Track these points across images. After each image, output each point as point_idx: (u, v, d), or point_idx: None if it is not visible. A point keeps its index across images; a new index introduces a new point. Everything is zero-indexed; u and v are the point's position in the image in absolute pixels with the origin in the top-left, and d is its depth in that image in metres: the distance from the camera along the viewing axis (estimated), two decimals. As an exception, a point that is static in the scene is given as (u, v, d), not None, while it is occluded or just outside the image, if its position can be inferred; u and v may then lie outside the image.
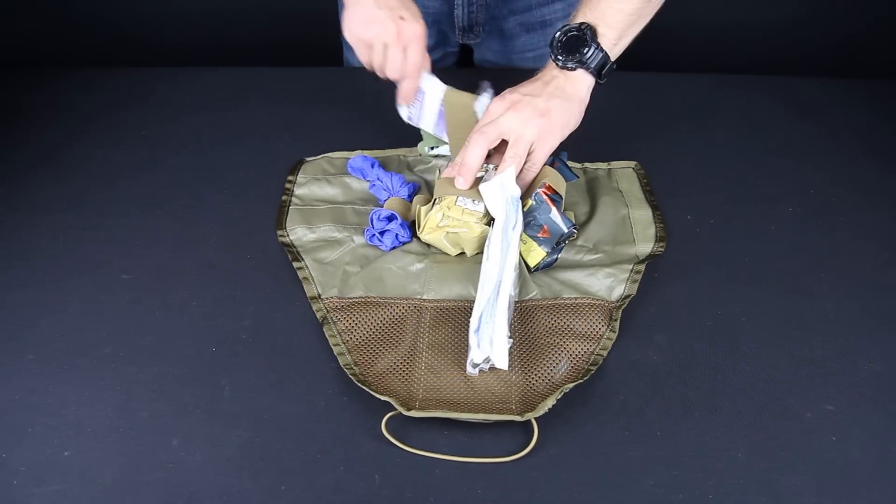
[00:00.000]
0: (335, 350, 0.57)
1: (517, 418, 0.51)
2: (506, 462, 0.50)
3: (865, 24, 1.22)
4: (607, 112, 0.87)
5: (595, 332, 0.58)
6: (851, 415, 0.53)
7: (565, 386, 0.53)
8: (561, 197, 0.64)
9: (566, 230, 0.61)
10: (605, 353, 0.57)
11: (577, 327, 0.59)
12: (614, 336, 0.58)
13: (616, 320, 0.59)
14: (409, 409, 0.52)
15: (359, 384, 0.54)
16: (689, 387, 0.55)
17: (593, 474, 0.50)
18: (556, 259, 0.63)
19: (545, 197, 0.62)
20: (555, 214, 0.62)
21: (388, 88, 0.72)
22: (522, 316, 0.60)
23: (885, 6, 1.20)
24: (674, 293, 0.63)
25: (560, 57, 0.66)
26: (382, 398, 0.52)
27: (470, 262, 0.64)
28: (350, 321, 0.60)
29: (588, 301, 0.61)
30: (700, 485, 0.49)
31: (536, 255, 0.62)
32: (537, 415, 0.51)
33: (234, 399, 0.54)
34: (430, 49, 0.95)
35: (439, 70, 0.98)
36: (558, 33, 0.66)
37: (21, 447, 0.51)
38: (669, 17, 1.29)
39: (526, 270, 0.63)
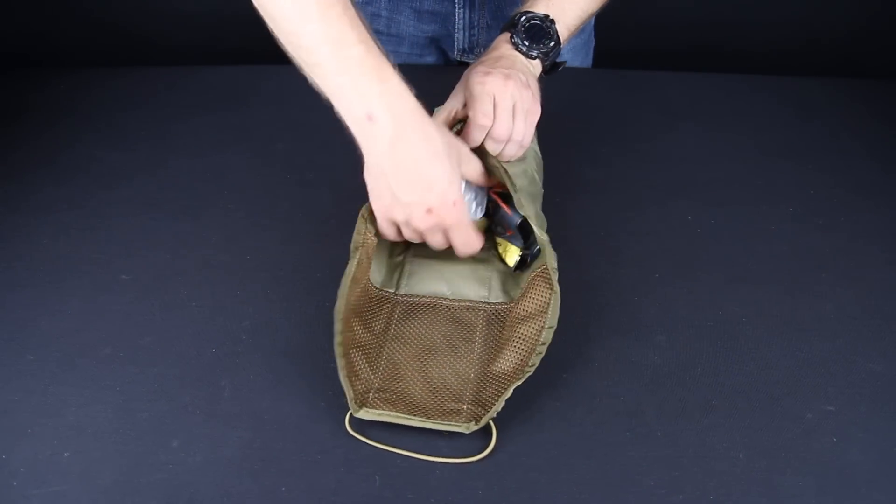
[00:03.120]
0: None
1: (463, 430, 0.51)
2: (465, 463, 0.50)
3: (865, 24, 1.22)
4: (607, 111, 0.87)
5: (541, 305, 0.56)
6: (851, 415, 0.53)
7: (513, 385, 0.51)
8: (510, 194, 0.62)
9: (517, 220, 0.61)
10: (551, 330, 0.54)
11: (524, 309, 0.58)
12: (558, 298, 0.55)
13: (553, 286, 0.56)
14: (360, 406, 0.52)
15: (337, 352, 0.53)
16: (689, 387, 0.55)
17: (593, 474, 0.50)
18: (538, 251, 0.61)
19: (495, 197, 0.63)
20: (504, 211, 0.62)
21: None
22: (489, 321, 0.60)
23: (885, 6, 1.20)
24: (674, 293, 0.63)
25: (525, 43, 0.64)
26: (343, 383, 0.52)
27: (447, 261, 0.64)
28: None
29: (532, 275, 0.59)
30: (700, 485, 0.49)
31: (512, 252, 0.63)
32: (481, 426, 0.51)
33: (234, 400, 0.54)
34: (431, 64, 0.95)
35: (437, 67, 0.98)
36: (522, 18, 0.65)
37: (21, 448, 0.51)
38: (669, 17, 1.30)
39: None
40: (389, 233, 0.58)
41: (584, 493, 0.49)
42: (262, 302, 0.62)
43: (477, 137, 0.60)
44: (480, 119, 0.58)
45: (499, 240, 0.64)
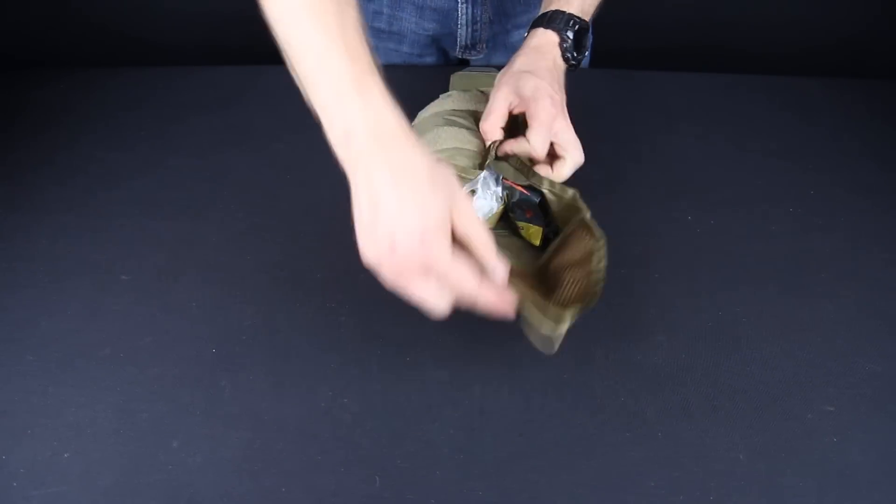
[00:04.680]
0: None
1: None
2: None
3: (865, 24, 1.22)
4: (607, 111, 0.87)
5: (585, 253, 0.56)
6: (852, 415, 0.53)
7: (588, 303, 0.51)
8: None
9: (536, 199, 0.62)
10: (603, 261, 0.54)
11: (567, 259, 0.58)
12: (603, 240, 0.55)
13: (595, 231, 0.57)
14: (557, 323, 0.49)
15: None
16: (689, 388, 0.55)
17: (593, 475, 0.50)
18: (557, 228, 0.63)
19: (509, 182, 0.64)
20: (521, 193, 0.63)
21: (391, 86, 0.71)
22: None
23: (885, 6, 1.20)
24: (674, 293, 0.63)
25: (573, 53, 0.66)
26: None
27: None
28: None
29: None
30: (701, 486, 0.49)
31: (536, 232, 0.64)
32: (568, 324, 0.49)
33: (234, 400, 0.54)
34: (431, 65, 0.95)
35: (438, 67, 0.98)
36: (571, 21, 0.65)
37: (21, 449, 0.51)
38: (669, 17, 1.29)
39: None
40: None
41: (584, 493, 0.49)
42: (262, 302, 0.62)
43: (539, 149, 0.61)
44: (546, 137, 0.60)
45: (520, 224, 0.65)
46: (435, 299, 0.45)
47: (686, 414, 0.53)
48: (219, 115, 0.86)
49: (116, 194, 0.74)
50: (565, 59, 0.66)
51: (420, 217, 0.43)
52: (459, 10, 0.86)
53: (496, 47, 0.92)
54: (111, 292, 0.63)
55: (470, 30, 0.88)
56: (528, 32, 0.69)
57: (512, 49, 0.93)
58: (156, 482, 0.49)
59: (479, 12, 0.87)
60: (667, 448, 0.51)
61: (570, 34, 0.66)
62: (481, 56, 0.93)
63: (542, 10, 0.69)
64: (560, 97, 0.63)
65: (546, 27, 0.67)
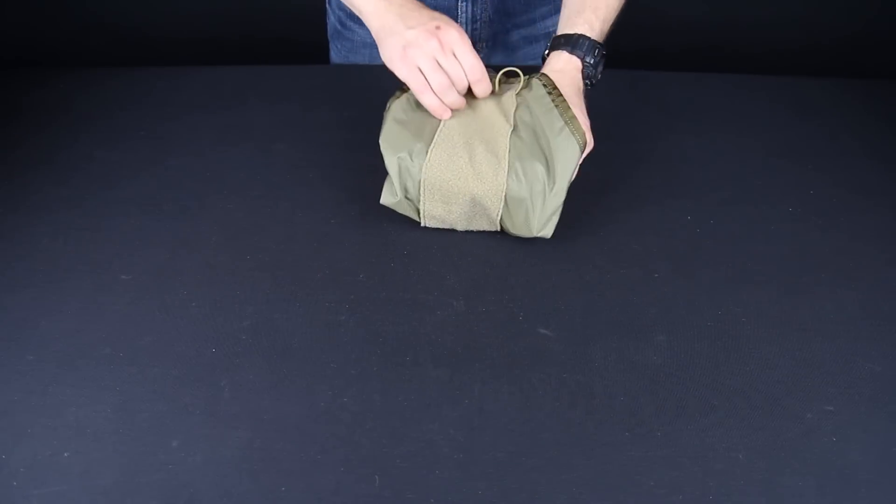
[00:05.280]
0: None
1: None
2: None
3: (865, 24, 1.22)
4: (607, 111, 0.87)
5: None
6: (851, 415, 0.53)
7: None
8: None
9: None
10: None
11: None
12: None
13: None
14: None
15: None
16: (689, 387, 0.55)
17: (593, 475, 0.50)
18: None
19: None
20: None
21: (391, 85, 0.71)
22: None
23: (885, 6, 1.20)
24: (674, 293, 0.63)
25: (591, 80, 0.70)
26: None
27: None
28: None
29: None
30: (700, 486, 0.49)
31: None
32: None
33: (234, 400, 0.54)
34: None
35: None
36: (596, 50, 0.68)
37: (21, 448, 0.51)
38: (669, 17, 1.30)
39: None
40: (411, 77, 0.64)
41: (584, 493, 0.49)
42: (262, 302, 0.62)
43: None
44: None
45: None
46: (433, 74, 0.62)
47: (685, 413, 0.53)
48: (219, 115, 0.86)
49: (116, 194, 0.74)
50: (584, 83, 0.68)
51: (423, 49, 0.62)
52: (459, 8, 0.86)
53: (496, 46, 0.93)
54: (111, 292, 0.63)
55: (470, 28, 0.88)
56: (550, 53, 0.70)
57: (512, 49, 0.93)
58: (155, 482, 0.49)
59: (479, 11, 0.87)
60: (666, 447, 0.51)
61: (592, 60, 0.67)
62: (481, 55, 0.93)
63: (565, 31, 0.70)
64: (583, 118, 0.67)
65: (571, 52, 0.68)
